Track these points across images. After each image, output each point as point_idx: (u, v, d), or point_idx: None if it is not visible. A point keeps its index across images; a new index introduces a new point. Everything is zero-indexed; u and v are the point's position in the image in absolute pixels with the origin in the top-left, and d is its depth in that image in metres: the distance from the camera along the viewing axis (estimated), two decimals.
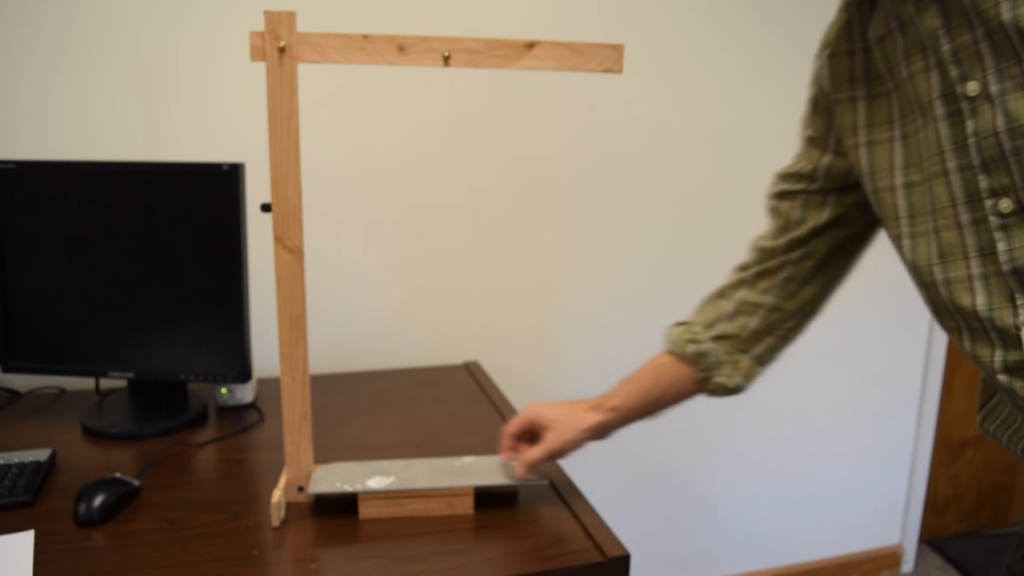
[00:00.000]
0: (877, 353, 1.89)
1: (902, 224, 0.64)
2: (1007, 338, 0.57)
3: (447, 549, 0.83)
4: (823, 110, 0.75)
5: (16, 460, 0.97)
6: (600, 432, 0.87)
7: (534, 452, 0.87)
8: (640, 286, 1.65)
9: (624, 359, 1.69)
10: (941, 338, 1.95)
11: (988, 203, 0.56)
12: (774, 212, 0.82)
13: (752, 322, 0.82)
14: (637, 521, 1.78)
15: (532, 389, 1.61)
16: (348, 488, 0.88)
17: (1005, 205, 0.55)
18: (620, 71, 0.84)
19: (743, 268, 0.84)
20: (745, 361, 0.83)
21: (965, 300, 0.59)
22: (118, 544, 0.83)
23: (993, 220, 0.56)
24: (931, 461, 2.09)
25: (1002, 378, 0.59)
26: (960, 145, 0.57)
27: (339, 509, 0.91)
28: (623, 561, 0.82)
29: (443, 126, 1.44)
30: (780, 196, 0.81)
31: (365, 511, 0.89)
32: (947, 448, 2.14)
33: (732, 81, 1.60)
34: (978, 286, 0.58)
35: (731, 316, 0.82)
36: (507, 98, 1.46)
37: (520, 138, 1.49)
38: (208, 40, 1.29)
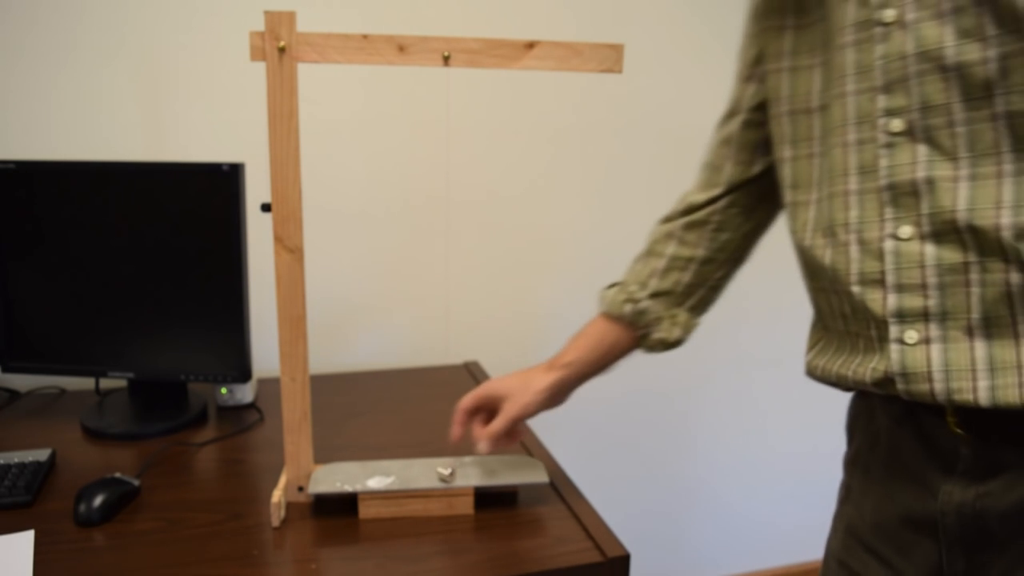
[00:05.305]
0: None
1: (814, 145, 0.69)
2: (868, 251, 0.62)
3: (447, 549, 0.83)
4: (753, 39, 0.77)
5: (16, 460, 0.97)
6: (558, 391, 0.86)
7: (495, 424, 0.85)
8: None
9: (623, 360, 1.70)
10: None
11: (881, 122, 0.60)
12: (705, 167, 0.85)
13: (685, 276, 0.84)
14: (637, 521, 1.78)
15: None
16: (348, 488, 0.88)
17: (896, 124, 0.59)
18: (620, 71, 0.84)
19: (669, 220, 0.87)
20: (682, 315, 0.85)
21: (839, 214, 0.64)
22: (118, 544, 0.83)
23: (881, 138, 0.60)
24: None
25: (855, 289, 0.63)
26: (863, 70, 0.61)
27: (339, 509, 0.91)
28: (623, 561, 0.82)
29: (444, 126, 1.44)
30: (714, 149, 0.84)
31: (365, 511, 0.89)
32: None
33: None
34: (853, 201, 0.63)
35: (664, 272, 0.85)
36: (509, 98, 1.46)
37: (524, 139, 1.49)
38: (208, 40, 1.29)
